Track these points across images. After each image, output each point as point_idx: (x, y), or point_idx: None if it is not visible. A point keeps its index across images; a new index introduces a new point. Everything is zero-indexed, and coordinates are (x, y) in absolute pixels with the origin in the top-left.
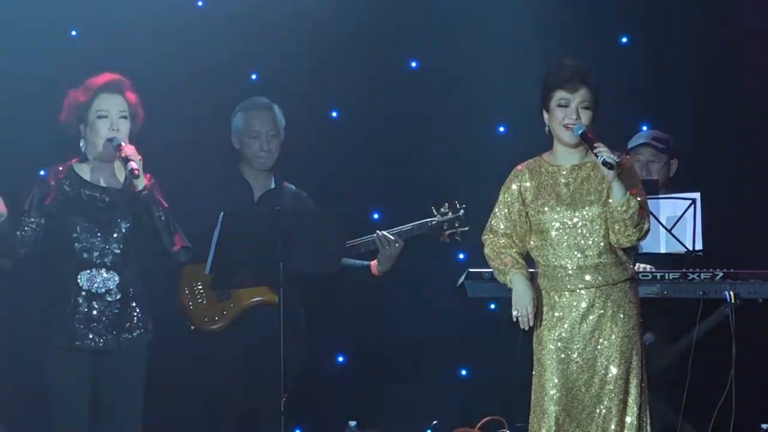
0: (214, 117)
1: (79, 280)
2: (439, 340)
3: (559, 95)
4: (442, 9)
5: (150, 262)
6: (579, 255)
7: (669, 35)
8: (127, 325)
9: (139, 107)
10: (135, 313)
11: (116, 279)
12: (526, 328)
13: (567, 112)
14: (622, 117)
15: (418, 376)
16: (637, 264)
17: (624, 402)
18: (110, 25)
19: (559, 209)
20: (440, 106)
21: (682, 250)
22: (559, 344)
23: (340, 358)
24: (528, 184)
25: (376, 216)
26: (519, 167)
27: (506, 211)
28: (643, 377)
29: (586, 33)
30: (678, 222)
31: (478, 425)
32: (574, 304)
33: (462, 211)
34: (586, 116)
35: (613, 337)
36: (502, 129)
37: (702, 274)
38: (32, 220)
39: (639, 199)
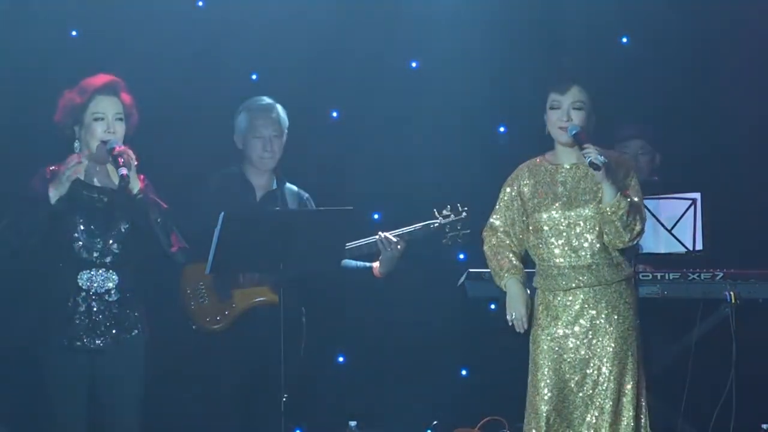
0: (214, 117)
1: (78, 280)
2: (439, 340)
3: (552, 97)
4: (442, 9)
5: (149, 262)
6: (572, 254)
7: (669, 35)
8: (126, 324)
9: (133, 108)
10: (134, 314)
11: (115, 279)
12: (521, 331)
13: (559, 114)
14: (621, 117)
15: (418, 376)
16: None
17: (618, 403)
18: (110, 25)
19: (554, 208)
20: (440, 106)
21: (682, 250)
22: (552, 344)
23: (340, 358)
24: (526, 182)
25: (376, 216)
26: (521, 166)
27: (505, 208)
28: (641, 378)
29: (586, 33)
30: (678, 222)
31: (478, 425)
32: (568, 304)
33: (464, 214)
34: (577, 117)
35: (608, 338)
36: (502, 129)
37: (702, 274)
38: (44, 207)
39: (631, 200)
